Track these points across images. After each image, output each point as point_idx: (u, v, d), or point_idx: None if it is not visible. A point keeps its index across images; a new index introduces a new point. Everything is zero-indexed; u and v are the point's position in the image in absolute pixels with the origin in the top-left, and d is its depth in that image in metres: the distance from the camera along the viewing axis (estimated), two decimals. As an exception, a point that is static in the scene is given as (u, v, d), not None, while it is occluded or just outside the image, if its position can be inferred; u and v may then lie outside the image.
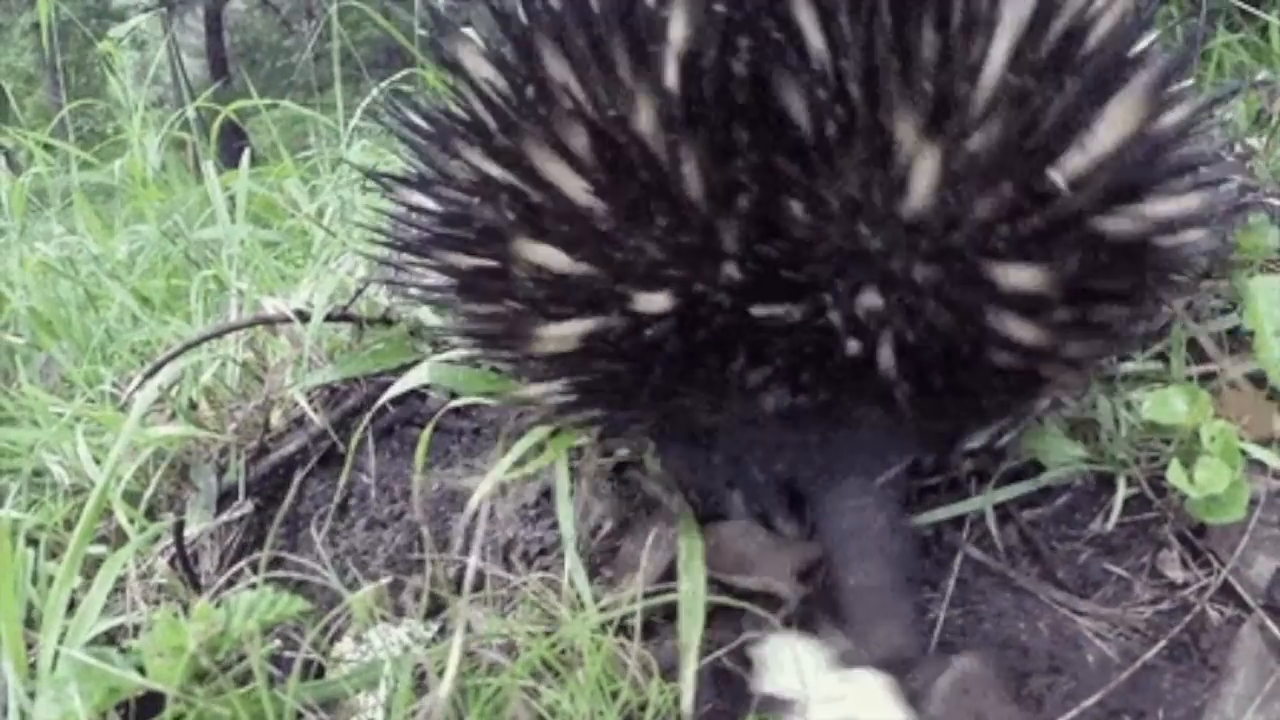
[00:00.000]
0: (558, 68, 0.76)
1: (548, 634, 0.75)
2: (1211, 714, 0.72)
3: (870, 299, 0.72)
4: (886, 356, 0.73)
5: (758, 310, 0.73)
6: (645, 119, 0.71)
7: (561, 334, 0.77)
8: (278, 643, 0.89)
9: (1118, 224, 0.73)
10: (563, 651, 0.73)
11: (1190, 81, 0.84)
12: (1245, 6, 2.24)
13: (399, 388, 1.16)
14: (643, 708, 0.73)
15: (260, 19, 9.14)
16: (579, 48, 0.75)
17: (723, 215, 0.72)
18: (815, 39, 0.70)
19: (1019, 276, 0.71)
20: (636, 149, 0.72)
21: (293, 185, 2.12)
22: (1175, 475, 0.80)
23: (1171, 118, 0.78)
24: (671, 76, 0.71)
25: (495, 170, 0.78)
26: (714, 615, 0.84)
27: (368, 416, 1.30)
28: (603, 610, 0.77)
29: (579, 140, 0.74)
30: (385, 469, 1.36)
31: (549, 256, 0.75)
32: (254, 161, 2.11)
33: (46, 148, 2.10)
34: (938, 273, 0.72)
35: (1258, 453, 0.85)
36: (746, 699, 0.77)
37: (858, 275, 0.72)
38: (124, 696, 0.74)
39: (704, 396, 0.81)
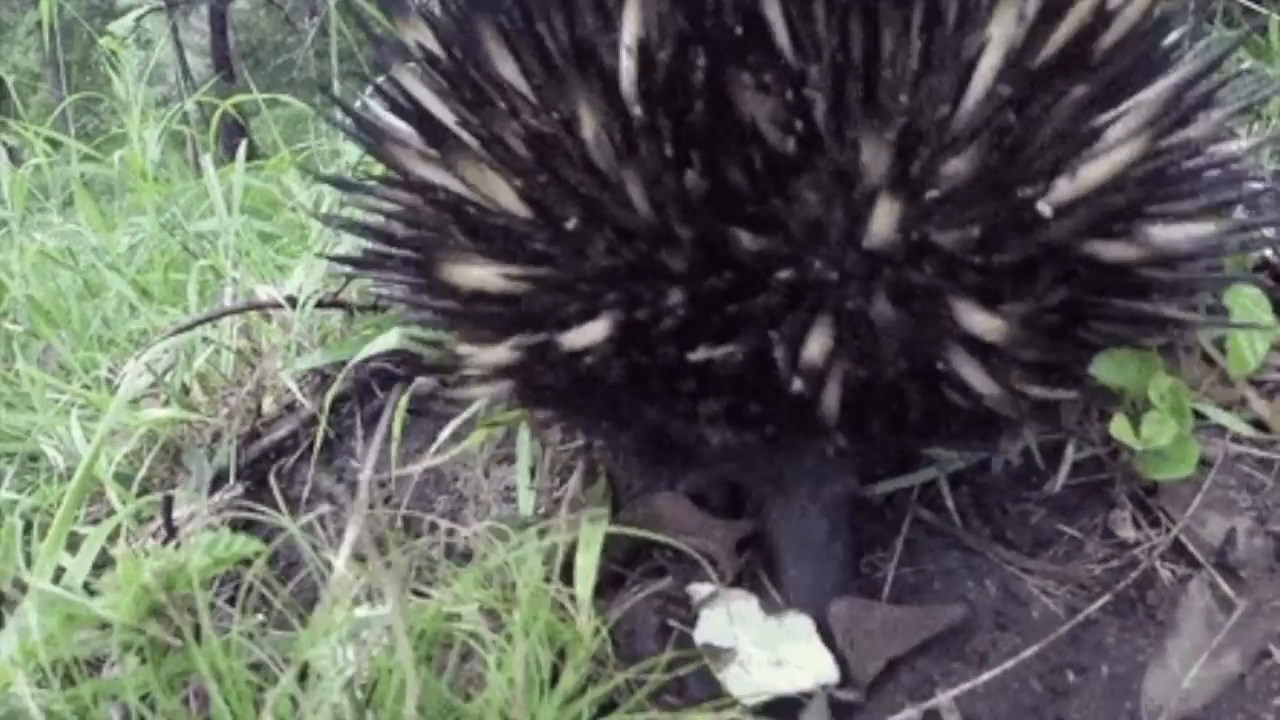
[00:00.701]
0: (499, 64, 0.70)
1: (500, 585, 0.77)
2: (1155, 668, 0.73)
3: (820, 339, 0.66)
4: (831, 400, 0.68)
5: (698, 355, 0.67)
6: (589, 126, 0.65)
7: (492, 359, 0.73)
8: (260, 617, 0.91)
9: (1112, 250, 0.67)
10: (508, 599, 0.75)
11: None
12: (1246, 3, 2.25)
13: (372, 349, 1.17)
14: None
15: (264, 17, 9.19)
16: (521, 42, 0.69)
17: (669, 238, 0.65)
18: (782, 37, 0.64)
19: (985, 325, 0.65)
20: (579, 159, 0.66)
21: (291, 179, 2.15)
22: (1119, 429, 0.80)
23: (1186, 133, 0.71)
24: (625, 79, 0.64)
25: (434, 177, 0.72)
26: (660, 571, 0.86)
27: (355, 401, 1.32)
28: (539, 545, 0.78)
29: (516, 147, 0.68)
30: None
31: (481, 278, 0.70)
32: (256, 157, 2.14)
33: (50, 142, 2.12)
34: (897, 312, 0.66)
35: (1217, 415, 0.87)
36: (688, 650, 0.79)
37: (808, 311, 0.66)
38: (80, 626, 0.76)
39: (648, 417, 0.76)
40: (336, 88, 2.22)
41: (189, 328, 1.40)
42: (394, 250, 0.80)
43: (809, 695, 0.75)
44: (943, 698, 0.74)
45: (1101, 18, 0.66)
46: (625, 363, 0.70)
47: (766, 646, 0.75)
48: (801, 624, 0.77)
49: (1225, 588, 0.77)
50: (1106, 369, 0.78)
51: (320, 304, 1.41)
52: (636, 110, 0.64)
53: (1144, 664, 0.73)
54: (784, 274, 0.65)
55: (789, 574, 0.81)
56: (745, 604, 0.79)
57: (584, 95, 0.65)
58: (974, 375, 0.67)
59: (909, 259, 0.64)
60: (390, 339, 1.15)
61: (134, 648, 0.77)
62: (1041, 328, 0.67)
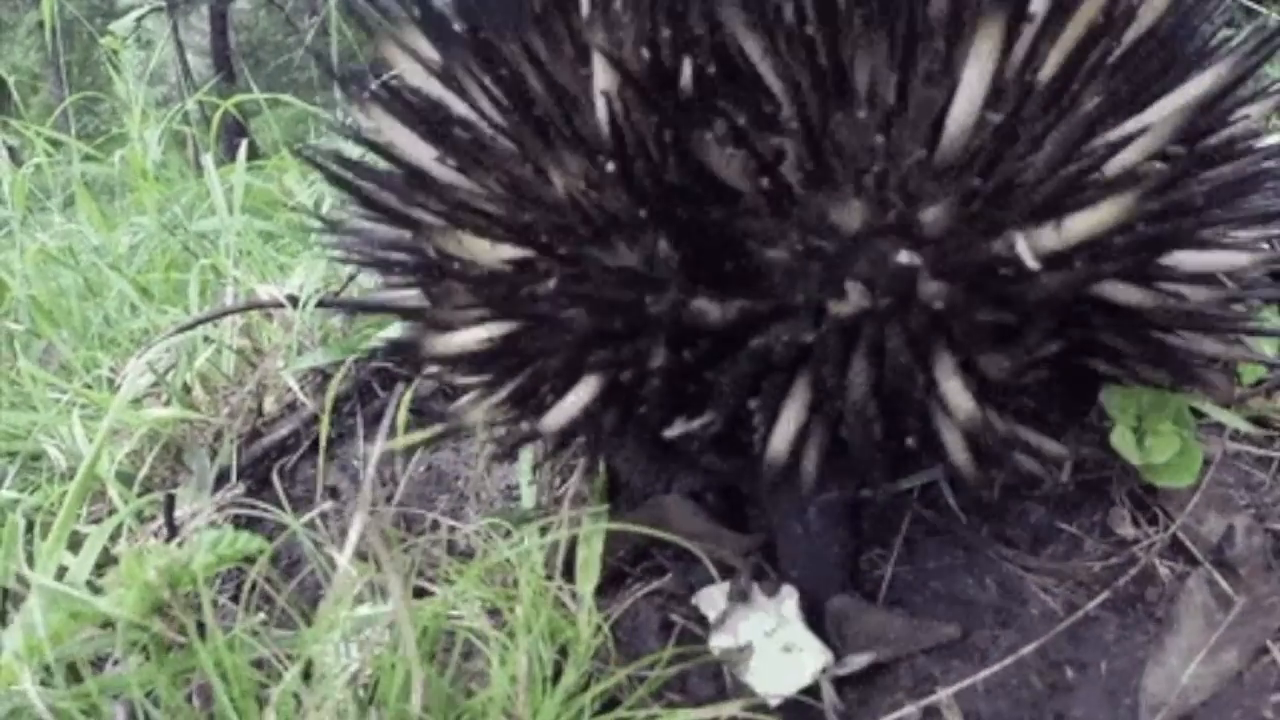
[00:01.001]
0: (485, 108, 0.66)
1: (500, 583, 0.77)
2: (1154, 665, 0.73)
3: (796, 408, 0.63)
4: (810, 464, 0.66)
5: (674, 430, 0.65)
6: (561, 183, 0.62)
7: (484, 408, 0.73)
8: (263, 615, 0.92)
9: (1127, 294, 0.62)
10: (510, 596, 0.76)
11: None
12: (1248, 3, 2.26)
13: (375, 340, 1.18)
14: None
15: (265, 18, 9.19)
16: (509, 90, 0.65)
17: (641, 304, 0.62)
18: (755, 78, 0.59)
19: (960, 404, 0.60)
20: (553, 217, 0.63)
21: (291, 179, 2.15)
22: (1121, 441, 0.79)
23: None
24: (598, 134, 0.61)
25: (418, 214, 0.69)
26: (660, 570, 0.87)
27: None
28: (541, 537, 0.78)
29: (495, 198, 0.66)
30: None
31: (462, 343, 0.68)
32: (257, 157, 2.15)
33: (51, 142, 2.13)
34: (874, 374, 0.61)
35: (1216, 413, 0.87)
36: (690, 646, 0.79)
37: (783, 380, 0.63)
38: (84, 623, 0.76)
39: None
40: (336, 92, 2.23)
41: (191, 327, 1.41)
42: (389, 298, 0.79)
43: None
44: (942, 694, 0.75)
45: (1112, 19, 0.59)
46: (615, 414, 0.68)
47: (773, 634, 0.76)
48: (791, 603, 0.79)
49: (1224, 585, 0.77)
50: (1117, 403, 0.78)
51: (321, 303, 1.41)
52: (609, 167, 0.60)
53: (1143, 660, 0.73)
54: (756, 341, 0.61)
55: (789, 575, 0.82)
56: (750, 596, 0.80)
57: (560, 149, 0.62)
58: (954, 446, 0.64)
59: (886, 317, 0.60)
60: (394, 333, 1.15)
61: (138, 645, 0.77)
62: (1032, 381, 0.63)
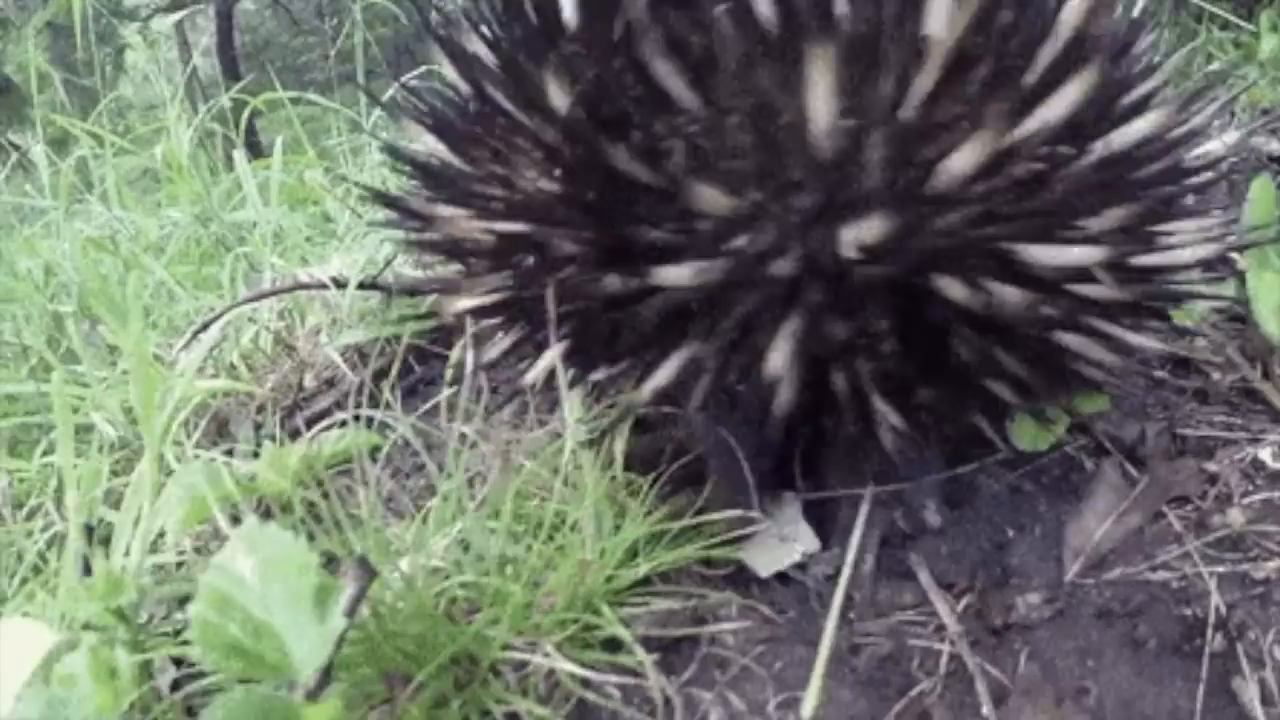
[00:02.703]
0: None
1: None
2: (1075, 524, 0.90)
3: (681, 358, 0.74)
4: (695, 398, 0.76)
5: (598, 374, 0.82)
6: (527, 176, 0.75)
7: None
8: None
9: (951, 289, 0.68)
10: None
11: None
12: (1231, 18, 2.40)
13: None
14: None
15: (270, 19, 9.29)
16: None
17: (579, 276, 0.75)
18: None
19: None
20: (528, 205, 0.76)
21: (314, 174, 2.27)
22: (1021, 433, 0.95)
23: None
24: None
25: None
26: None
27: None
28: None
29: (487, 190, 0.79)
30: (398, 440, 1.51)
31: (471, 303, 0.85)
32: (261, 156, 2.26)
33: (94, 137, 2.23)
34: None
35: (1139, 340, 1.00)
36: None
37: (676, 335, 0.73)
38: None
39: None
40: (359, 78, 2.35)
41: (242, 305, 1.52)
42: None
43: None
44: (912, 555, 0.89)
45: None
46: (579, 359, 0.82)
47: (772, 526, 0.88)
48: (793, 509, 0.91)
49: (1133, 470, 0.94)
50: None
51: (361, 285, 1.53)
52: (557, 174, 0.73)
53: (1066, 523, 0.90)
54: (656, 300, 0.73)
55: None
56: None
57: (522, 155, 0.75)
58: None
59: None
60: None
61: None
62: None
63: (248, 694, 0.49)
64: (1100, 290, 0.69)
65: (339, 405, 1.52)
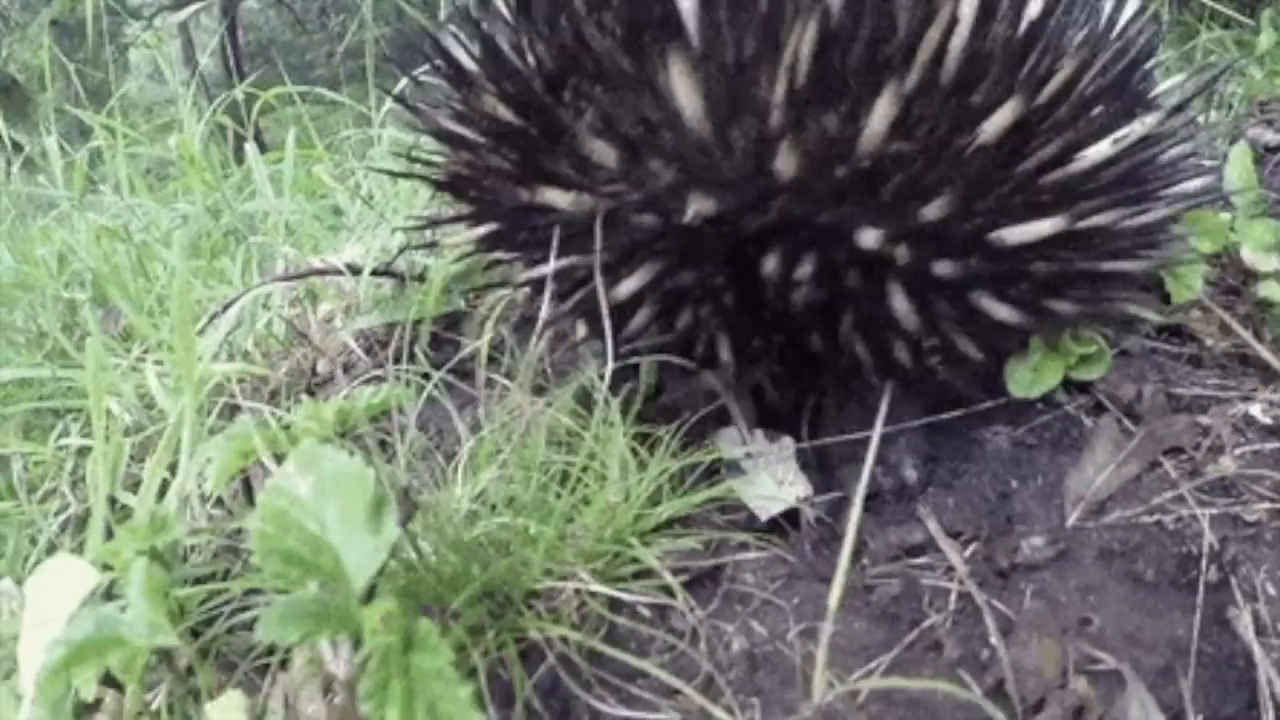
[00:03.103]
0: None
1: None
2: (1075, 473, 0.95)
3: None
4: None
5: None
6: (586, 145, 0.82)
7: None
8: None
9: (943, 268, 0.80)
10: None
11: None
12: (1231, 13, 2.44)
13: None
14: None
15: (274, 17, 9.33)
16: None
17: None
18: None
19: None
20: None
21: (323, 169, 2.31)
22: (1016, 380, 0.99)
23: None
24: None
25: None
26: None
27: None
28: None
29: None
30: (421, 409, 1.54)
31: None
32: (265, 151, 2.30)
33: (108, 128, 2.26)
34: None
35: (1141, 310, 1.02)
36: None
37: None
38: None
39: None
40: (369, 75, 2.38)
41: (258, 288, 1.55)
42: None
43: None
44: (919, 507, 0.94)
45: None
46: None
47: (772, 470, 0.92)
48: (790, 452, 0.95)
49: (1129, 424, 0.99)
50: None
51: (375, 272, 1.56)
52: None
53: (1067, 473, 0.95)
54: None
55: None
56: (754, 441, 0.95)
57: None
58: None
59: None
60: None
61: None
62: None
63: (306, 596, 0.52)
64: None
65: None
